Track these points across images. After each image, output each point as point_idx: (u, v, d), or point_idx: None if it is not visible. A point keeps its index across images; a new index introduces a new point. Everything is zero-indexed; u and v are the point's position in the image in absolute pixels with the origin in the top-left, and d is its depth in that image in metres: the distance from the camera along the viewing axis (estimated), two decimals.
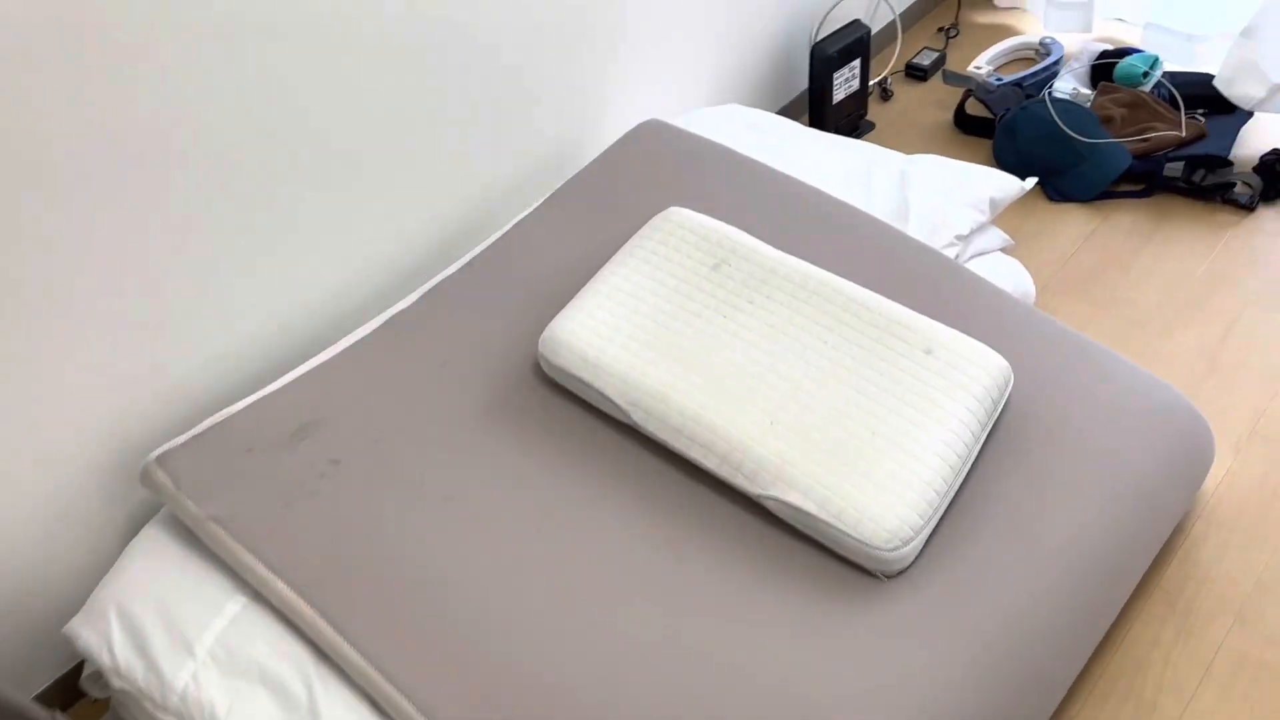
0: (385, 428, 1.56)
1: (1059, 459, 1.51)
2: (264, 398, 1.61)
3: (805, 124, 2.56)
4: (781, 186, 1.88)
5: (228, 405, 1.67)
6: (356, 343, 1.70)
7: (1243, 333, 1.96)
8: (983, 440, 1.50)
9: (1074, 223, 2.24)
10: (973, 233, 1.90)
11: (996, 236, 2.00)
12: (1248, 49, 2.28)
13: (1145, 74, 2.42)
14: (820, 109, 2.44)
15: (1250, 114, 2.34)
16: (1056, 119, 2.28)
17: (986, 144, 2.46)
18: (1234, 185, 2.21)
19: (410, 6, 1.64)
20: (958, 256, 1.88)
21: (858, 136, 2.53)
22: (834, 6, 2.52)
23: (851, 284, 1.62)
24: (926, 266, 1.74)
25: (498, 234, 1.87)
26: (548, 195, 1.92)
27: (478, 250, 1.84)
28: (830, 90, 2.40)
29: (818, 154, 2.07)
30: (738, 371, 1.52)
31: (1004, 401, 1.53)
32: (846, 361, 1.52)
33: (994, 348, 1.62)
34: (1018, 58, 2.71)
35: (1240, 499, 1.71)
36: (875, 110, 2.62)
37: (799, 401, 1.49)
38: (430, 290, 1.77)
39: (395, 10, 1.62)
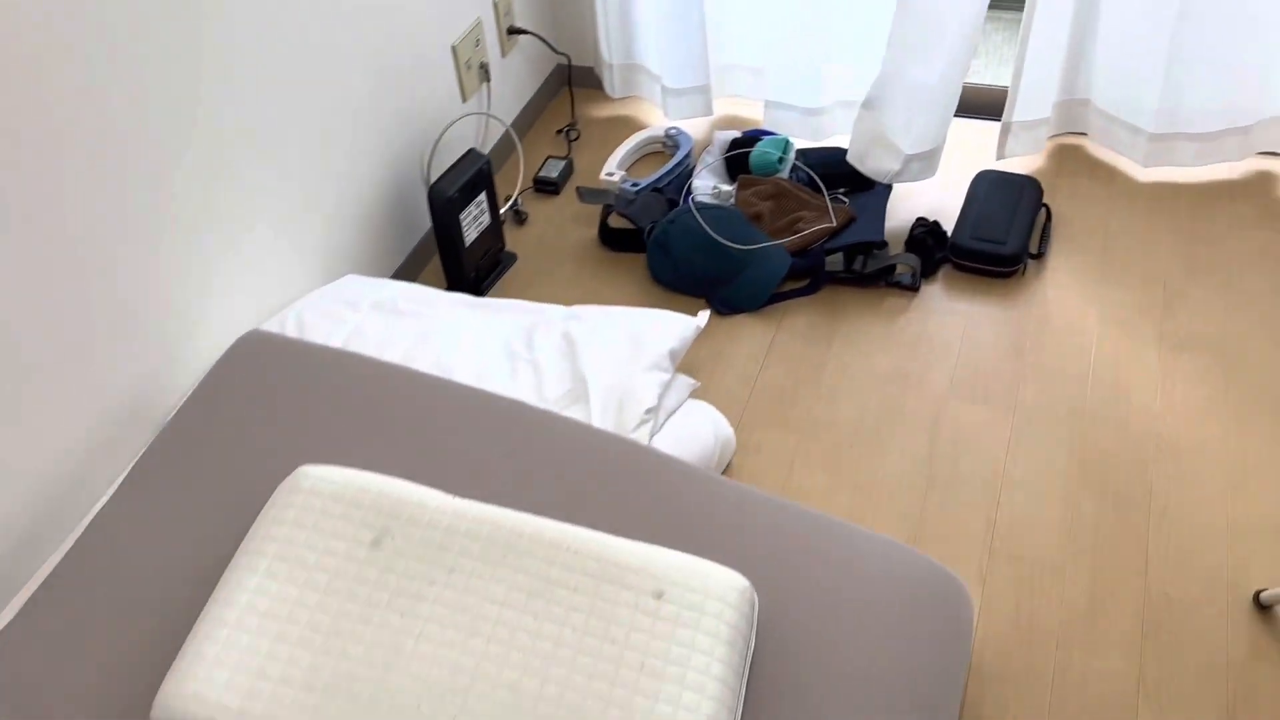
0: None
1: (825, 688, 1.27)
2: None
3: (439, 270, 2.23)
4: (431, 396, 1.54)
5: None
6: None
7: (947, 434, 1.86)
8: (744, 694, 1.24)
9: (750, 337, 2.07)
10: (660, 398, 1.66)
11: (683, 385, 1.77)
12: (873, 121, 2.21)
13: (780, 159, 2.30)
14: (453, 256, 2.11)
15: (890, 186, 2.28)
16: (708, 229, 2.10)
17: (639, 259, 2.25)
18: (895, 268, 2.13)
19: None
20: (652, 434, 1.62)
21: (501, 274, 2.24)
22: (440, 136, 2.21)
23: (550, 522, 1.31)
24: (625, 466, 1.46)
25: (68, 542, 1.39)
26: (128, 470, 1.46)
27: (41, 575, 1.35)
28: (460, 234, 2.08)
29: (465, 328, 1.75)
30: (436, 690, 1.17)
31: (754, 633, 1.28)
32: (568, 636, 1.21)
33: (724, 559, 1.36)
34: (648, 153, 2.53)
35: (1001, 640, 1.57)
36: (514, 238, 2.33)
37: (521, 711, 1.16)
38: None
39: None
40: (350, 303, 1.79)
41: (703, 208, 2.15)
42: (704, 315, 1.81)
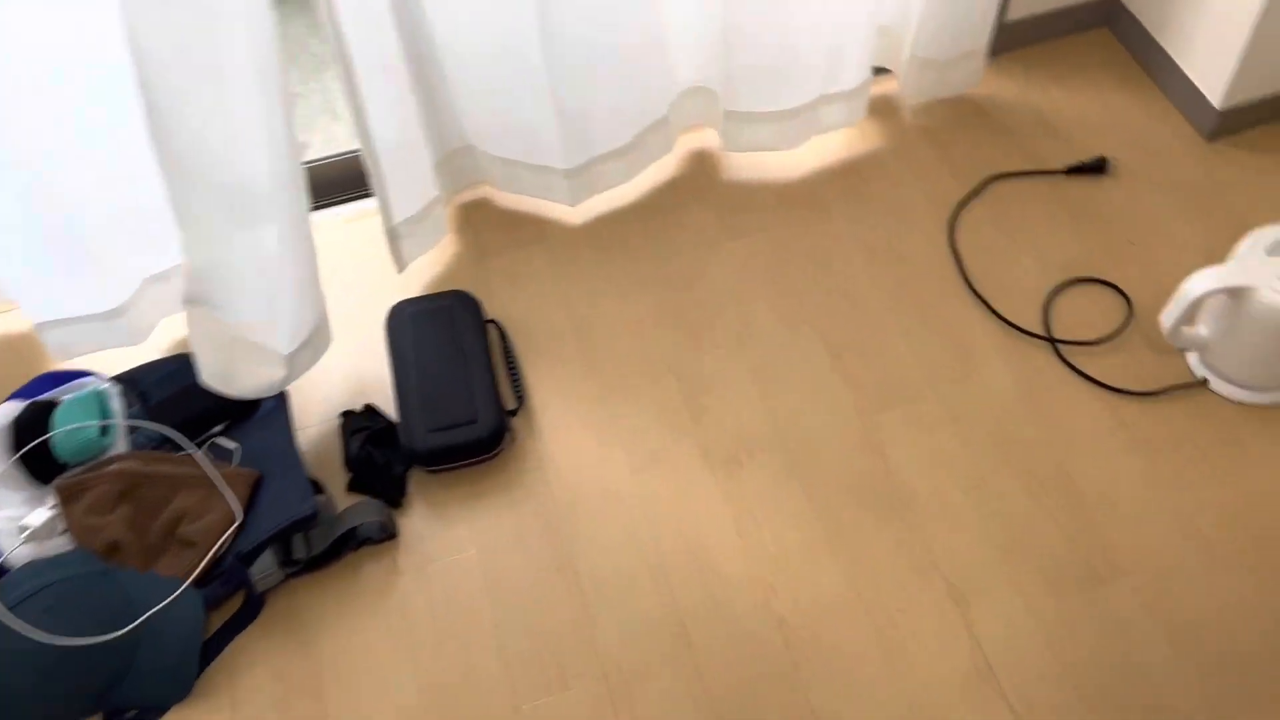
0: None
1: None
2: None
3: None
4: None
5: None
6: None
7: None
8: None
9: None
10: None
11: None
12: (213, 322, 1.44)
13: (105, 429, 1.47)
14: None
15: (283, 396, 1.56)
16: (43, 637, 1.26)
17: None
18: (355, 529, 1.45)
19: None
20: None
21: None
22: None
23: None
24: None
25: None
26: None
27: None
28: None
29: None
30: None
31: None
32: None
33: None
34: None
35: None
36: None
37: None
38: None
39: None
40: None
41: (23, 594, 1.29)
42: None
